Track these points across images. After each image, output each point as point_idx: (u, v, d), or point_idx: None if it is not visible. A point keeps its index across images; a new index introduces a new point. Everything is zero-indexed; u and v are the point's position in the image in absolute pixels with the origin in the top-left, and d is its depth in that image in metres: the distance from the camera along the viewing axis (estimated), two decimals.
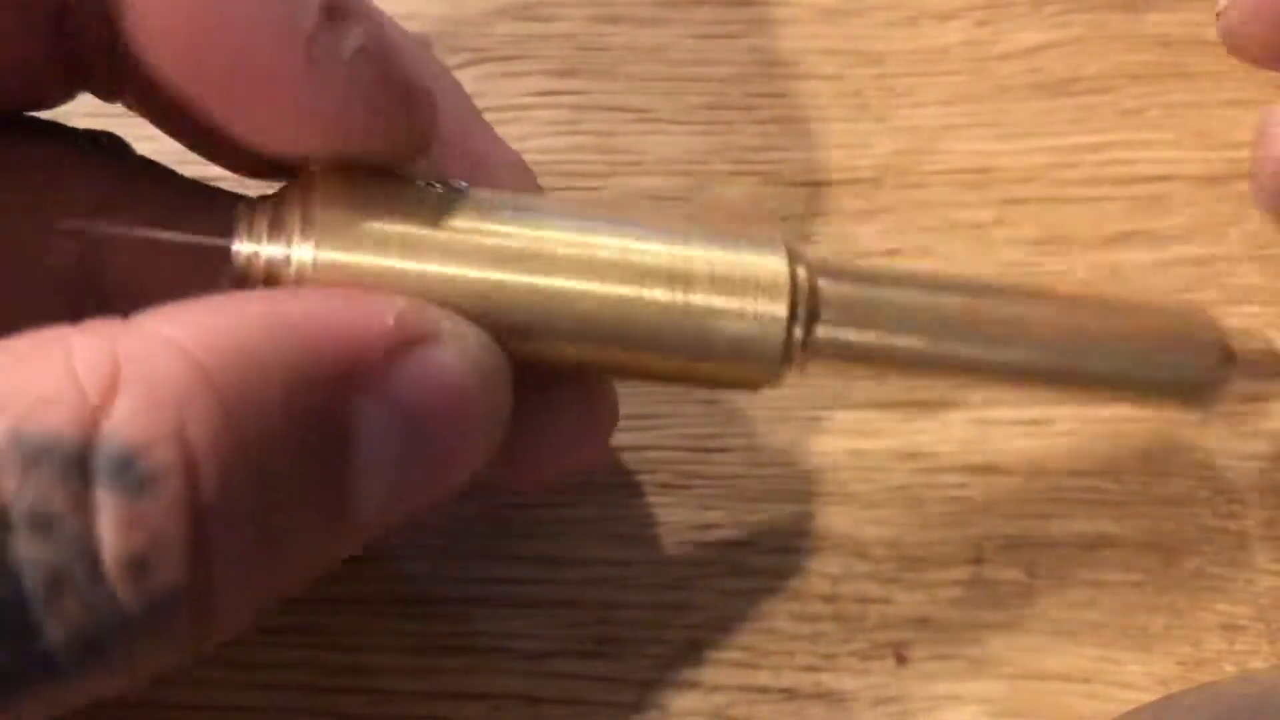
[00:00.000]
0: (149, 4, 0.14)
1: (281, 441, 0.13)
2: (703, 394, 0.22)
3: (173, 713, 0.19)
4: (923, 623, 0.20)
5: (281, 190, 0.16)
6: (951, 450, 0.22)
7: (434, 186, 0.16)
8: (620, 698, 0.20)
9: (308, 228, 0.15)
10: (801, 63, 0.25)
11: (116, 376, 0.12)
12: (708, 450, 0.22)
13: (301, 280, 0.15)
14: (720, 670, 0.20)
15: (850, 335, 0.17)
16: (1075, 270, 0.23)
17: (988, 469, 0.21)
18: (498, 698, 0.20)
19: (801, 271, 0.17)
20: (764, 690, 0.20)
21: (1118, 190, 0.24)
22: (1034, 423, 0.22)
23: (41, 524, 0.12)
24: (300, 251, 0.15)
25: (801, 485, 0.21)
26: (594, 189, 0.23)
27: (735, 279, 0.16)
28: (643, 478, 0.21)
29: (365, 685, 0.20)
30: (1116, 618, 0.20)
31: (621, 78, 0.24)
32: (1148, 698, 0.20)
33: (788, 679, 0.20)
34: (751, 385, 0.17)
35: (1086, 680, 0.20)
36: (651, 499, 0.21)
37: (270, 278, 0.15)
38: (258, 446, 0.13)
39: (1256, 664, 0.20)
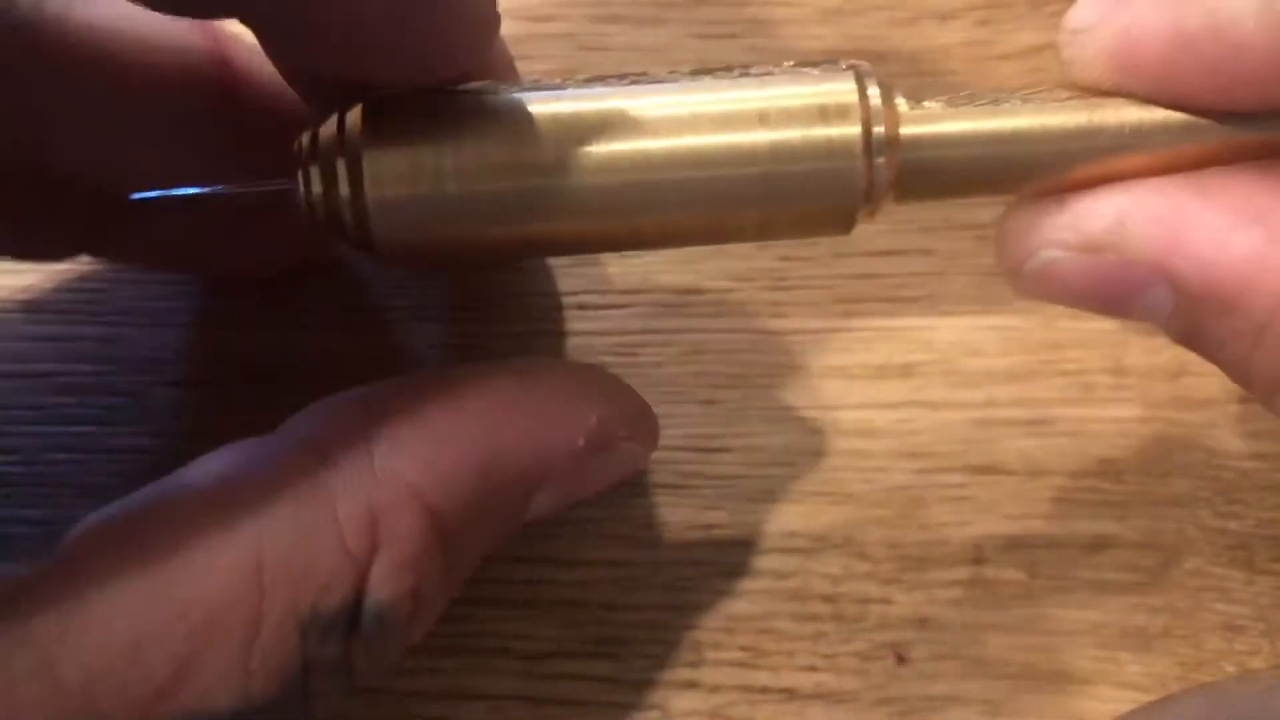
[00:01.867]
0: None
1: (481, 545, 0.17)
2: (703, 394, 0.22)
3: None
4: (923, 623, 0.20)
5: (328, 123, 0.16)
6: (952, 450, 0.22)
7: (468, 90, 0.16)
8: (621, 698, 0.20)
9: (358, 149, 0.15)
10: None
11: (376, 539, 0.15)
12: (708, 450, 0.22)
13: (359, 200, 0.15)
14: (720, 670, 0.20)
15: (926, 151, 0.16)
16: None
17: (988, 469, 0.21)
18: (498, 698, 0.20)
19: (874, 92, 0.16)
20: (764, 690, 0.20)
21: None
22: (1034, 423, 0.22)
23: (329, 671, 0.15)
24: (352, 167, 0.15)
25: (801, 485, 0.21)
26: None
27: (800, 111, 0.16)
28: (643, 478, 0.21)
29: (366, 685, 0.20)
30: (1117, 618, 0.20)
31: None
32: (1148, 698, 0.20)
33: (788, 679, 0.20)
34: (835, 226, 0.17)
35: (1087, 681, 0.20)
36: (652, 499, 0.21)
37: (330, 205, 0.16)
38: (464, 560, 0.17)
39: (1257, 664, 0.20)
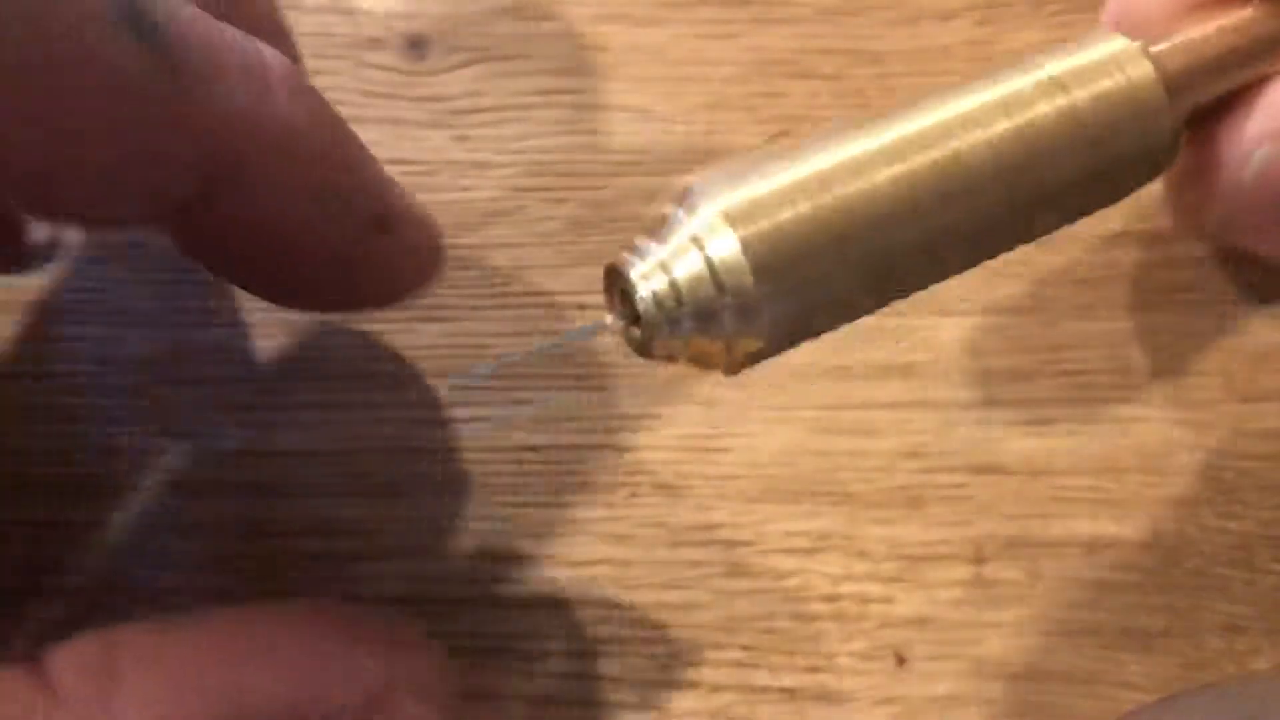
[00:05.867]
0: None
1: None
2: (703, 394, 0.22)
3: None
4: (923, 623, 0.20)
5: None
6: (952, 450, 0.22)
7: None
8: (621, 697, 0.20)
9: None
10: (801, 62, 0.25)
11: None
12: (708, 450, 0.22)
13: None
14: (721, 670, 0.20)
15: (1199, 80, 0.17)
16: (1075, 268, 0.23)
17: (988, 469, 0.21)
18: (499, 698, 0.20)
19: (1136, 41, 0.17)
20: (764, 690, 0.20)
21: None
22: (1035, 423, 0.22)
23: None
24: None
25: (802, 485, 0.21)
26: (595, 189, 0.23)
27: (1096, 67, 0.16)
28: (643, 478, 0.21)
29: None
30: (1117, 618, 0.20)
31: (621, 78, 0.24)
32: (1149, 698, 0.20)
33: (788, 679, 0.20)
34: (1155, 168, 0.17)
35: (1087, 681, 0.20)
36: (652, 499, 0.21)
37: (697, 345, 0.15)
38: None
39: (1258, 664, 0.20)
